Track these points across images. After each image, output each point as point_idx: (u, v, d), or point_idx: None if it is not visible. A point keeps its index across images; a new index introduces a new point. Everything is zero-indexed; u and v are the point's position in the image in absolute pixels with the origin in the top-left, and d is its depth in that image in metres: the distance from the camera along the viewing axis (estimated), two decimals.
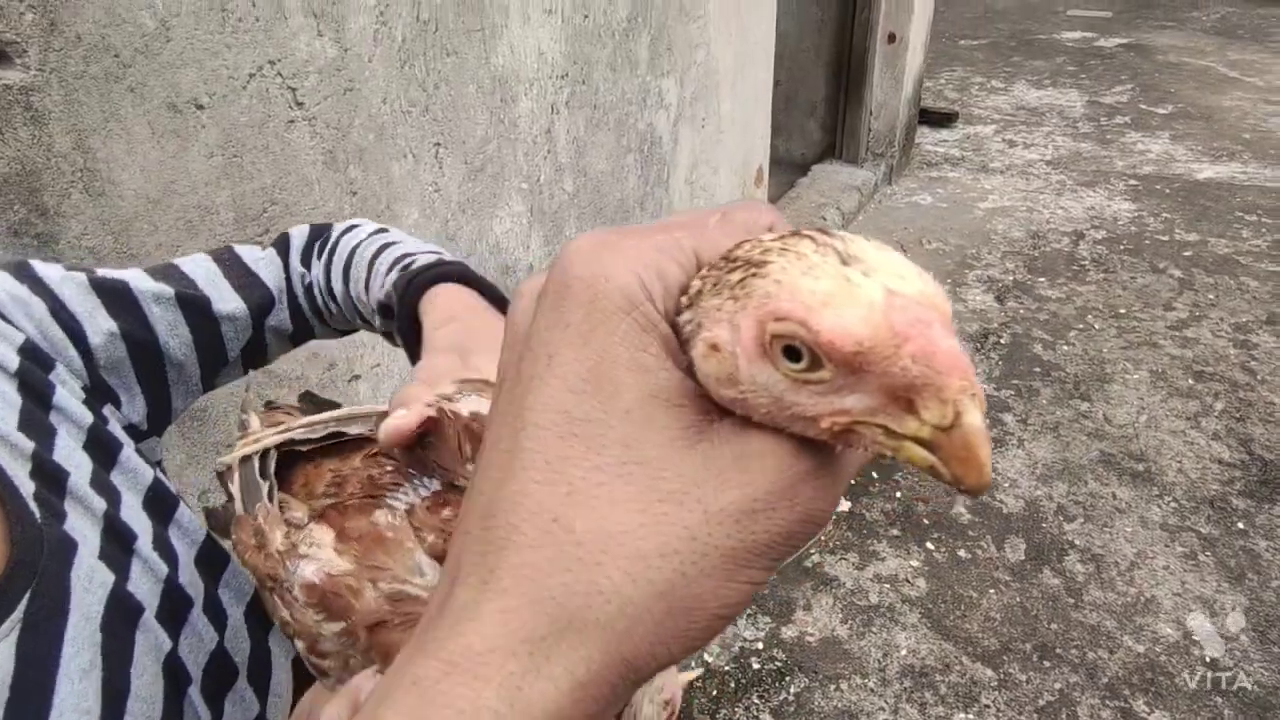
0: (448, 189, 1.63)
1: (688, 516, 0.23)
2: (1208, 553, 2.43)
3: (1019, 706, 2.04)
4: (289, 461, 0.49)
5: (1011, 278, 3.82)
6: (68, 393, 0.50)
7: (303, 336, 0.70)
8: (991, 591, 2.34)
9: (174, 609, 0.49)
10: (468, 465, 0.44)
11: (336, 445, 0.49)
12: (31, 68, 0.96)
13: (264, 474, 0.47)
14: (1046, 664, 2.14)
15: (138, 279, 0.58)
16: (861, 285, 0.21)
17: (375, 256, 0.63)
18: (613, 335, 0.24)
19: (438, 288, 0.59)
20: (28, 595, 0.41)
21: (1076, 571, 2.39)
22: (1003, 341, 3.37)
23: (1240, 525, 2.51)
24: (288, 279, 0.68)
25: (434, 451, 0.44)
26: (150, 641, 0.46)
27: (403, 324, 0.59)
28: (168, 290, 0.59)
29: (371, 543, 0.41)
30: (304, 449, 0.49)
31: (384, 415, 0.45)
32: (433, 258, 0.62)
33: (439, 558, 0.41)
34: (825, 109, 4.49)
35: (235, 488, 0.48)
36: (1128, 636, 2.20)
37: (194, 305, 0.60)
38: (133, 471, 0.52)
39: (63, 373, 0.51)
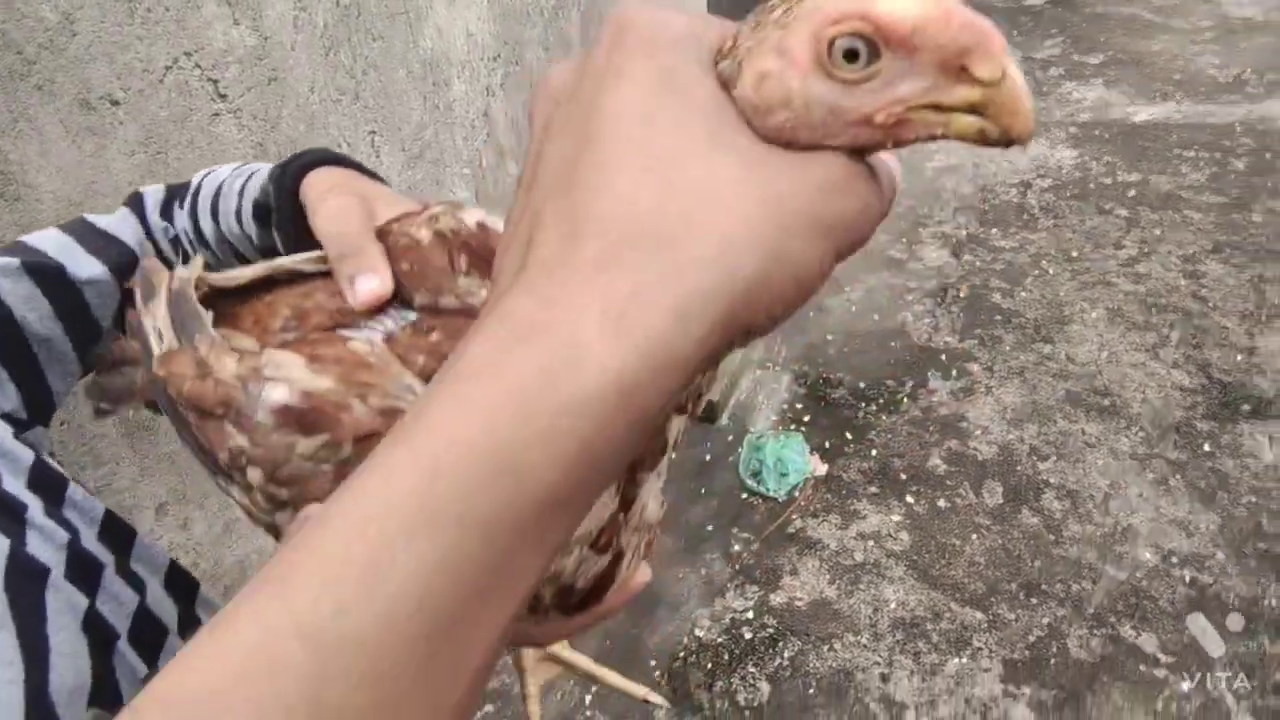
0: (387, 176, 1.59)
1: (776, 180, 0.24)
2: (1178, 477, 2.47)
3: (1010, 645, 2.06)
4: (228, 302, 0.45)
5: (965, 232, 3.85)
6: None
7: None
8: (974, 537, 2.36)
9: (84, 570, 0.46)
10: (460, 279, 0.42)
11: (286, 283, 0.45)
12: None
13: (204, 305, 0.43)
14: (1033, 600, 2.16)
15: None
16: None
17: (244, 184, 0.59)
18: (678, 54, 0.26)
19: (315, 170, 0.55)
20: None
21: (1054, 509, 2.42)
22: (962, 294, 3.40)
23: (1207, 448, 2.55)
24: (149, 236, 0.64)
25: (414, 275, 0.41)
26: (63, 600, 0.43)
27: (282, 215, 0.55)
28: (13, 261, 0.54)
29: (353, 365, 0.38)
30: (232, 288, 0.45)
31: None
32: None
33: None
34: None
35: (160, 322, 0.43)
36: (1109, 565, 2.23)
37: (46, 273, 0.55)
38: (8, 454, 0.48)
39: None
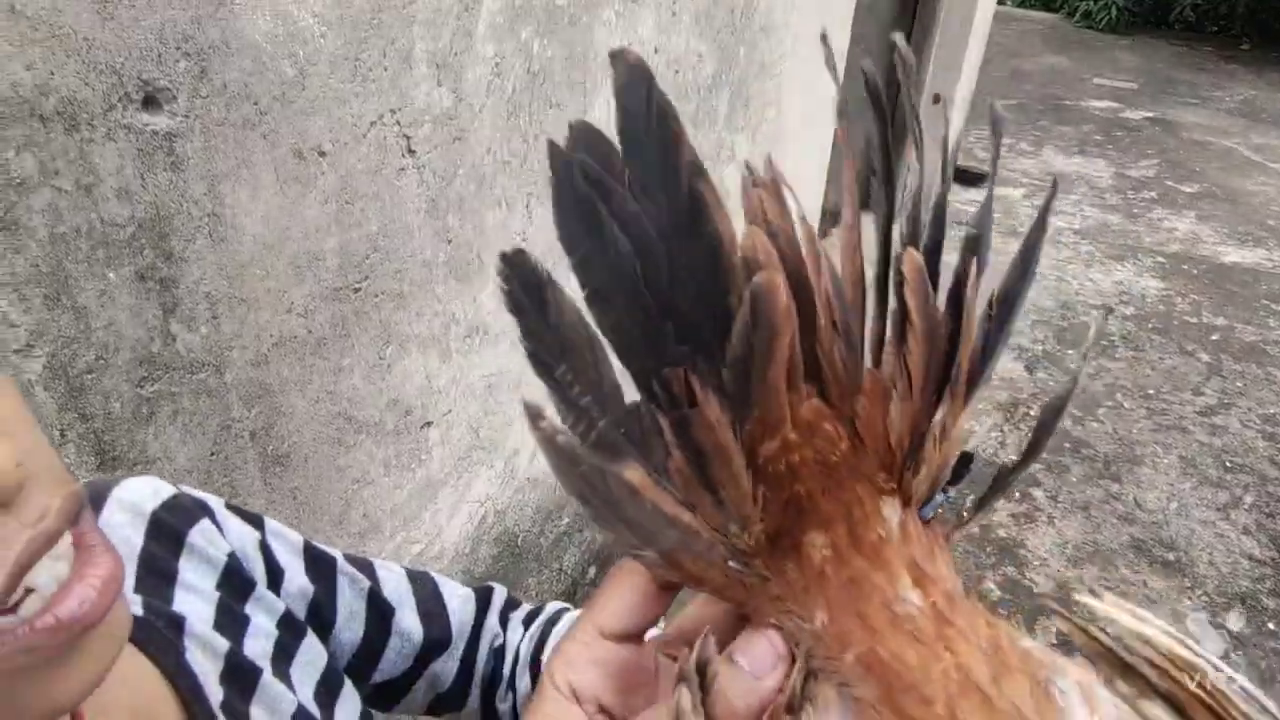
0: (534, 239, 1.61)
1: None
2: (1239, 653, 2.41)
3: None
4: None
5: (1041, 348, 3.82)
6: (264, 589, 0.50)
7: (450, 705, 0.64)
8: None
9: None
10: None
11: None
12: (178, 114, 0.93)
13: None
14: None
15: (342, 560, 0.58)
16: None
17: None
18: None
19: None
20: None
21: None
22: (1032, 413, 3.36)
23: (1271, 626, 2.50)
24: (476, 631, 0.64)
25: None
26: None
27: None
28: (365, 582, 0.58)
29: None
30: None
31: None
32: None
33: None
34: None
35: None
36: None
37: (378, 607, 0.58)
38: (309, 662, 0.51)
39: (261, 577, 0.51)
